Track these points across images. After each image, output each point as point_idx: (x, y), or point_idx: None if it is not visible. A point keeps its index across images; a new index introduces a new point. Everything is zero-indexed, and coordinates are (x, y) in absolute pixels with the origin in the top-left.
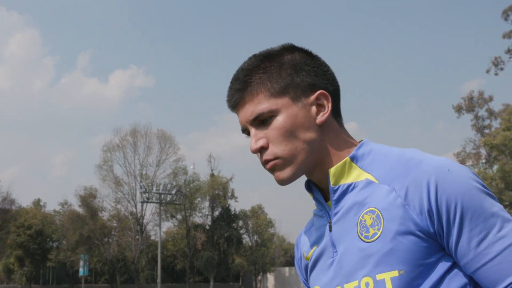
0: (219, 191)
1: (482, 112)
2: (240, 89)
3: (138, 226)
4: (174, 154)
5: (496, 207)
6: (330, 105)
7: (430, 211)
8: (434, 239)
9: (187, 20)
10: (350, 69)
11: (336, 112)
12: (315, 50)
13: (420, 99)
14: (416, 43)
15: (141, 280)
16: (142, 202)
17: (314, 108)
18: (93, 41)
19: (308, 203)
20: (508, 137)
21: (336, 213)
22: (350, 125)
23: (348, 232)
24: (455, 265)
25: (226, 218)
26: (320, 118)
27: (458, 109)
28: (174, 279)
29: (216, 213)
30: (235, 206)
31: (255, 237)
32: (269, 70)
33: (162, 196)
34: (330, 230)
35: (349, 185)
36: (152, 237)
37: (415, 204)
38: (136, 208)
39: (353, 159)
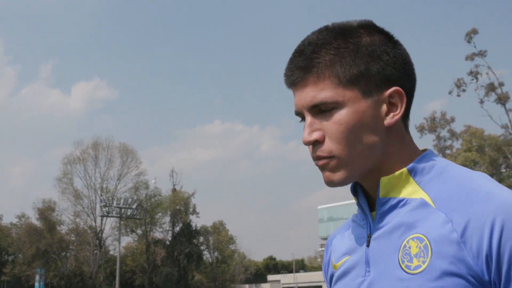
0: (180, 206)
1: (444, 133)
2: (303, 68)
3: (97, 241)
4: (136, 168)
5: None
6: (404, 106)
7: (489, 256)
8: None
9: (151, 33)
10: None
11: (406, 114)
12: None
13: None
14: None
15: None
16: (102, 216)
17: (384, 107)
18: (56, 51)
19: (270, 220)
20: (469, 158)
21: (378, 228)
22: None
23: (387, 254)
24: None
25: (187, 234)
26: (389, 120)
27: (421, 129)
28: None
29: (177, 228)
30: (196, 221)
31: (216, 254)
32: (342, 52)
33: (123, 210)
34: (368, 245)
35: (400, 200)
36: (111, 252)
37: (472, 244)
38: (95, 222)
39: (411, 171)
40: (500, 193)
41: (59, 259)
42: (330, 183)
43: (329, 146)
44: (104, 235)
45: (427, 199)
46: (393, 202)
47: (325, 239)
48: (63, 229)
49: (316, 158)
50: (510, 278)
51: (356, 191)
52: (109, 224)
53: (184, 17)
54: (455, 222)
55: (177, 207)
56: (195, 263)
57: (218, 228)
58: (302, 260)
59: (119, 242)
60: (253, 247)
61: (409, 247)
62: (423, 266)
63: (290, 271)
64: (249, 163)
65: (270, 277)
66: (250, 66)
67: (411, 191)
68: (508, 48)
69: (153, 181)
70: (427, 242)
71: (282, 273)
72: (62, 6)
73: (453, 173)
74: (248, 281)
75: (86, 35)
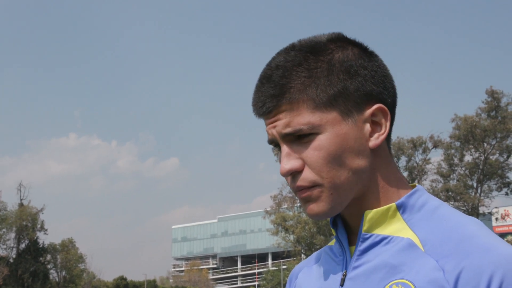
0: (27, 222)
1: None
2: (275, 95)
3: None
4: None
5: None
6: (388, 124)
7: None
8: None
9: (5, 31)
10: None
11: (388, 135)
12: None
13: (243, 139)
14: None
15: None
16: None
17: (368, 127)
18: None
19: (123, 238)
20: None
21: (356, 267)
22: (170, 162)
23: None
24: None
25: (33, 252)
26: (375, 141)
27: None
28: None
29: (23, 245)
30: (44, 238)
31: (64, 273)
32: (314, 73)
33: None
34: (342, 285)
35: (384, 238)
36: None
37: None
38: None
39: (400, 207)
40: (498, 246)
41: None
42: (315, 216)
43: (309, 175)
44: None
45: (415, 240)
46: (376, 238)
47: (179, 259)
48: None
49: (297, 189)
50: None
51: (335, 223)
52: None
53: (46, 17)
54: (448, 271)
55: (24, 223)
56: (41, 282)
57: (67, 246)
58: (154, 281)
59: None
60: (104, 266)
61: None
62: None
63: None
64: (104, 179)
65: None
66: (114, 80)
67: (398, 229)
68: None
69: None
70: None
71: None
72: None
73: (446, 216)
74: None
75: None
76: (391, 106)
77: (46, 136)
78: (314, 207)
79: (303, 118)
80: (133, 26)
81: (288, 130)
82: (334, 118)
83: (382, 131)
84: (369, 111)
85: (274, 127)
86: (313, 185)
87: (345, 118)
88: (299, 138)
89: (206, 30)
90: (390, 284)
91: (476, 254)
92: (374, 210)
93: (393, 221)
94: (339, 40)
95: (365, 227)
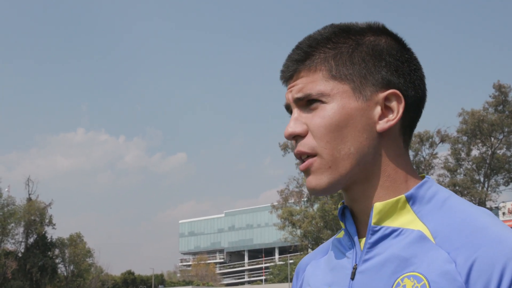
0: (35, 217)
1: None
2: (298, 60)
3: None
4: None
5: None
6: (401, 111)
7: None
8: None
9: (13, 30)
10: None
11: (407, 127)
12: None
13: (248, 133)
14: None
15: None
16: None
17: (378, 109)
18: None
19: (131, 233)
20: None
21: (367, 260)
22: (178, 157)
23: None
24: None
25: (42, 246)
26: (383, 125)
27: (284, 147)
28: None
29: (31, 240)
30: (52, 233)
31: (72, 267)
32: (340, 47)
33: None
34: (352, 278)
35: (394, 230)
36: None
37: None
38: None
39: (410, 199)
40: (510, 236)
41: None
42: (314, 191)
43: (311, 141)
44: None
45: (426, 232)
46: (386, 231)
47: (186, 254)
48: None
49: (298, 154)
50: None
51: (344, 215)
52: None
53: (55, 14)
54: (459, 263)
55: (32, 218)
56: (49, 276)
57: (75, 241)
58: (162, 275)
59: None
60: (112, 261)
61: (404, 286)
62: None
63: (149, 286)
64: (112, 174)
65: None
66: (121, 75)
67: (408, 221)
68: None
69: (6, 189)
70: (426, 283)
71: (141, 287)
72: None
73: (456, 207)
74: None
75: None
76: (413, 100)
77: (54, 131)
78: (313, 180)
79: (316, 85)
80: (140, 22)
81: (299, 94)
82: (346, 91)
83: (394, 117)
84: (383, 94)
85: (291, 91)
86: (313, 153)
87: (356, 94)
88: (309, 105)
89: (211, 26)
90: (402, 277)
91: (488, 245)
92: (384, 202)
93: (403, 213)
94: (378, 29)
95: (374, 220)
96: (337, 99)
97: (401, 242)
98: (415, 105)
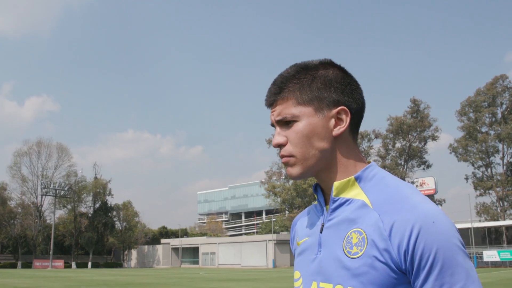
0: (100, 189)
1: None
2: (275, 93)
3: (38, 213)
4: (68, 161)
5: (466, 265)
6: (348, 120)
7: (406, 252)
8: (404, 273)
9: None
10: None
11: (354, 129)
12: None
13: (246, 133)
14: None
15: (37, 252)
16: (42, 195)
17: (333, 121)
18: (15, 73)
19: (164, 201)
20: None
21: (330, 220)
22: (196, 149)
23: (335, 241)
24: None
25: (104, 209)
26: (336, 131)
27: (269, 142)
28: (63, 252)
29: (97, 205)
30: (111, 201)
31: (124, 224)
32: (301, 81)
33: (57, 191)
34: (321, 232)
35: (347, 200)
36: (48, 221)
37: (395, 241)
38: (37, 199)
39: (357, 178)
40: (424, 204)
41: (8, 225)
42: (291, 176)
43: (289, 147)
44: (43, 209)
45: (367, 201)
46: (341, 201)
47: (202, 215)
48: (12, 203)
49: (281, 157)
50: (419, 270)
51: (316, 189)
52: (47, 201)
53: (117, 42)
54: (385, 222)
55: (98, 190)
56: (110, 230)
57: (127, 206)
58: (185, 229)
59: (54, 214)
60: (151, 219)
61: (351, 238)
62: (360, 253)
63: (177, 236)
64: (152, 161)
65: (163, 241)
66: (159, 92)
67: (356, 193)
68: None
69: (80, 171)
70: (365, 235)
71: (171, 237)
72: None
73: (389, 183)
74: (147, 243)
75: (36, 61)
76: (356, 111)
77: (112, 131)
78: (291, 170)
79: (289, 110)
80: (174, 52)
81: (278, 118)
82: (310, 112)
83: (343, 125)
84: (335, 110)
85: (273, 115)
86: (291, 155)
87: (317, 113)
88: (286, 124)
89: (221, 56)
90: (350, 231)
91: (405, 210)
92: (340, 181)
93: (353, 188)
94: (327, 63)
95: (334, 193)
96: (304, 118)
97: (350, 208)
98: (358, 114)
